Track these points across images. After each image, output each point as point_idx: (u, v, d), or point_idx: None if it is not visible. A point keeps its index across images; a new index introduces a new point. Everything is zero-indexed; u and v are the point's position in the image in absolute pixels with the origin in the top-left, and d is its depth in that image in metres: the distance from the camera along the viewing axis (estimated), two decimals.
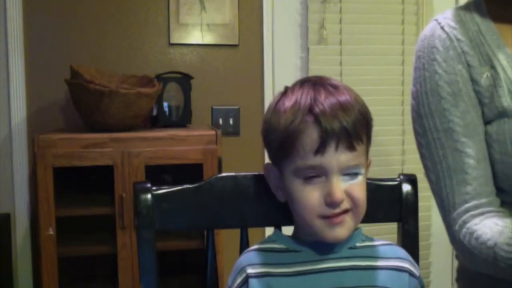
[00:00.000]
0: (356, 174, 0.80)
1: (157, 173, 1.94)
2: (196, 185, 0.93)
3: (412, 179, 1.00)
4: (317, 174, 0.78)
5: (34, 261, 2.15)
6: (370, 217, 0.91)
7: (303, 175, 0.78)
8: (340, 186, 0.78)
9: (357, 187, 0.80)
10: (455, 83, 0.97)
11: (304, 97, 0.79)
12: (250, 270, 0.81)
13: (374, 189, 0.96)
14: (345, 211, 0.79)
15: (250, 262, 0.82)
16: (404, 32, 2.44)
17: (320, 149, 0.76)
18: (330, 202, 0.77)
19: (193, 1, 2.27)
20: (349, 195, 0.78)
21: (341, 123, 0.77)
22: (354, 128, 0.78)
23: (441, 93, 0.98)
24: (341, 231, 0.79)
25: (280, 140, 0.79)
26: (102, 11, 2.22)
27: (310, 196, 0.78)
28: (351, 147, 0.78)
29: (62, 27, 2.19)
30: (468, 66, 0.98)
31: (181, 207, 0.92)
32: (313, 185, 0.78)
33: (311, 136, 0.77)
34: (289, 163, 0.79)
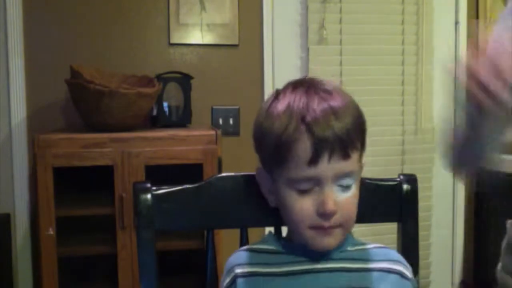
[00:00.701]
0: (348, 187, 0.79)
1: (157, 173, 1.94)
2: (196, 185, 0.93)
3: (412, 179, 1.00)
4: (311, 186, 0.77)
5: (34, 261, 2.15)
6: (370, 217, 0.91)
7: (296, 187, 0.78)
8: (333, 196, 0.77)
9: (349, 200, 0.79)
10: None
11: (296, 103, 0.78)
12: (238, 270, 0.81)
13: (374, 189, 0.96)
14: (335, 227, 0.78)
15: (238, 262, 0.83)
16: (404, 32, 2.44)
17: (314, 160, 0.75)
18: (323, 213, 0.76)
19: (193, 1, 2.27)
20: (341, 209, 0.78)
21: (334, 131, 0.75)
22: (348, 136, 0.76)
23: None
24: (330, 241, 0.79)
25: (273, 148, 0.78)
26: (102, 11, 2.22)
27: (303, 207, 0.77)
28: (345, 156, 0.77)
29: (62, 27, 2.19)
30: None
31: (181, 207, 0.92)
32: (306, 196, 0.78)
33: (305, 145, 0.75)
34: (282, 171, 0.79)
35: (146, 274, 0.90)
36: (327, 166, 0.76)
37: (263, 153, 0.82)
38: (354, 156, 0.78)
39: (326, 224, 0.77)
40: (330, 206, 0.76)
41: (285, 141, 0.76)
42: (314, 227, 0.78)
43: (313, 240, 0.79)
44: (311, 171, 0.76)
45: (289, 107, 0.78)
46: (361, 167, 0.82)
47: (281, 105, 0.79)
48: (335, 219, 0.78)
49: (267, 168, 0.83)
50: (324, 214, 0.77)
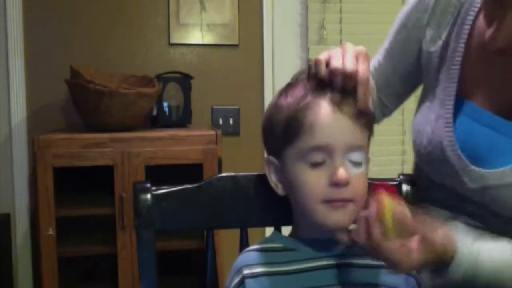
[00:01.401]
0: (359, 164, 0.79)
1: (157, 173, 1.94)
2: (196, 185, 0.93)
3: (412, 179, 1.00)
4: (323, 159, 0.78)
5: (34, 261, 2.15)
6: None
7: (308, 160, 0.78)
8: (345, 168, 0.78)
9: (360, 176, 0.80)
10: None
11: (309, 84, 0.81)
12: (246, 271, 0.81)
13: None
14: (348, 200, 0.79)
15: (246, 262, 0.82)
16: None
17: (328, 125, 0.77)
18: (335, 182, 0.77)
19: (193, 1, 2.27)
20: (352, 183, 0.78)
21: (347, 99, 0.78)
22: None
23: None
24: (342, 216, 0.78)
25: (286, 120, 0.80)
26: (102, 11, 2.22)
27: (315, 180, 0.78)
28: (358, 120, 0.78)
29: (62, 27, 2.19)
30: None
31: (181, 207, 0.92)
32: (318, 170, 0.78)
33: (319, 112, 0.78)
34: (294, 146, 0.79)
35: (146, 274, 0.90)
36: (340, 133, 0.77)
37: (274, 134, 0.83)
38: (364, 132, 0.80)
39: (338, 196, 0.77)
40: (342, 175, 0.77)
41: (299, 110, 0.79)
42: (327, 201, 0.78)
43: (324, 216, 0.78)
44: (324, 139, 0.77)
45: (303, 88, 0.81)
46: (368, 159, 0.83)
47: (290, 98, 0.82)
48: (347, 192, 0.78)
49: (277, 151, 0.83)
50: (336, 184, 0.77)
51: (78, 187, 2.01)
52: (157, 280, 0.91)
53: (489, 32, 0.82)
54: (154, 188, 0.92)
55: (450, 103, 0.92)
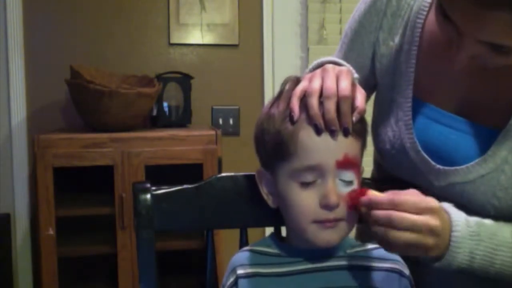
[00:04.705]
0: (351, 182, 0.79)
1: (157, 173, 1.94)
2: (196, 185, 0.93)
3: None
4: (314, 178, 0.77)
5: (34, 261, 2.15)
6: None
7: (300, 179, 0.77)
8: (336, 189, 0.77)
9: None
10: None
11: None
12: (240, 271, 0.81)
13: None
14: (339, 220, 0.78)
15: (241, 262, 0.83)
16: None
17: (320, 145, 0.76)
18: (326, 204, 0.76)
19: (193, 1, 2.27)
20: (343, 203, 0.78)
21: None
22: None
23: None
24: (333, 235, 0.79)
25: (276, 139, 0.79)
26: (102, 11, 2.22)
27: (306, 200, 0.77)
28: (347, 140, 0.77)
29: (62, 27, 2.19)
30: None
31: (181, 207, 0.92)
32: (309, 189, 0.77)
33: (309, 132, 0.77)
34: (285, 164, 0.79)
35: (146, 274, 0.90)
36: (330, 152, 0.76)
37: (265, 150, 0.82)
38: (357, 146, 0.79)
39: (330, 216, 0.77)
40: (333, 198, 0.76)
41: (289, 130, 0.77)
42: (318, 221, 0.77)
43: (315, 235, 0.78)
44: (315, 159, 0.76)
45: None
46: (360, 171, 0.82)
47: (282, 105, 0.80)
48: (338, 212, 0.77)
49: (269, 165, 0.83)
50: (327, 206, 0.76)
51: (78, 187, 2.01)
52: (157, 280, 0.91)
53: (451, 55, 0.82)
54: (153, 188, 0.92)
55: (408, 105, 0.93)
